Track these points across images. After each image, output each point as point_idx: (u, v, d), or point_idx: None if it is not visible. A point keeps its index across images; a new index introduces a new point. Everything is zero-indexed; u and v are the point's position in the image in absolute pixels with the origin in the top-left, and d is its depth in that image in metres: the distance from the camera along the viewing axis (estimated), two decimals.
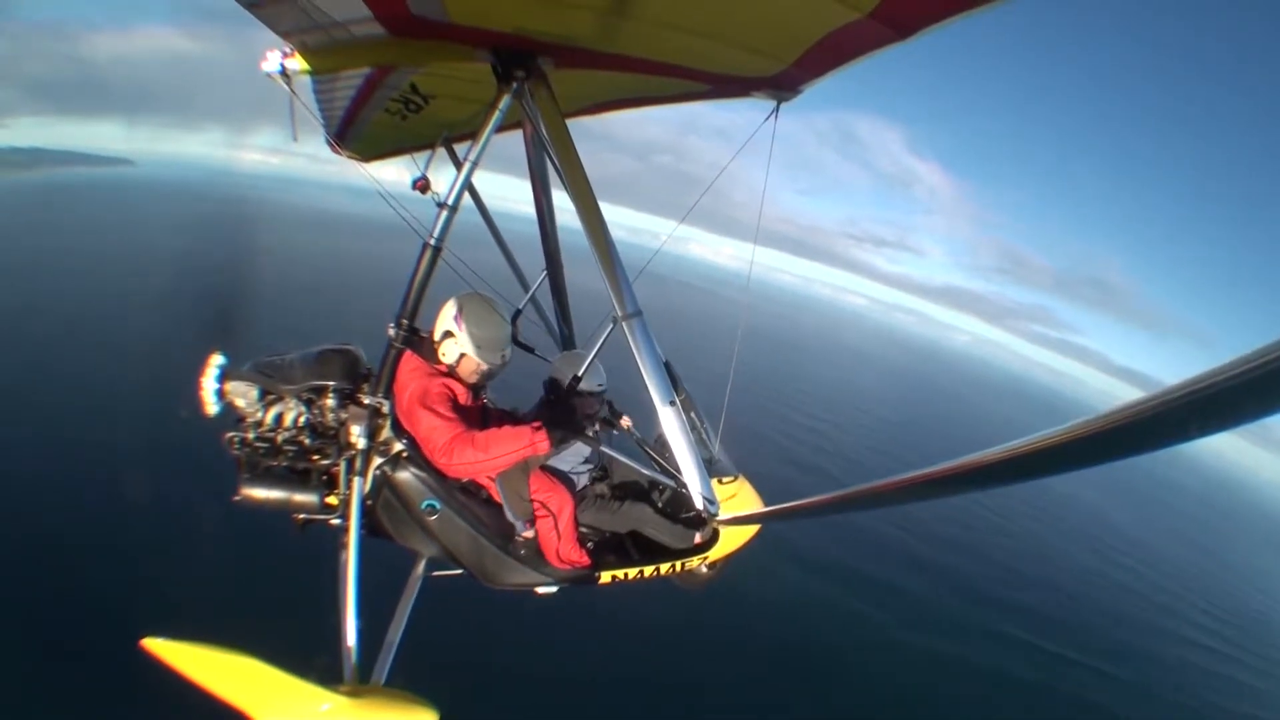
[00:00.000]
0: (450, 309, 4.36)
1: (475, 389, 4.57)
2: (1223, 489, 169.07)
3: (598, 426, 5.31)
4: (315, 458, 3.99)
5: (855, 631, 25.90)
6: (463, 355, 4.34)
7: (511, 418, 5.13)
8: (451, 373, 4.38)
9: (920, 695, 23.44)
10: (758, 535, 5.30)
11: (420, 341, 4.33)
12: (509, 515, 4.47)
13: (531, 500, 4.49)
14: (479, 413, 4.63)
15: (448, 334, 4.34)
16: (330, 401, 3.98)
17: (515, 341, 5.70)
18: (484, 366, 4.40)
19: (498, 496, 4.49)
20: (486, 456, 3.96)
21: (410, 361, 4.20)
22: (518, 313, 5.95)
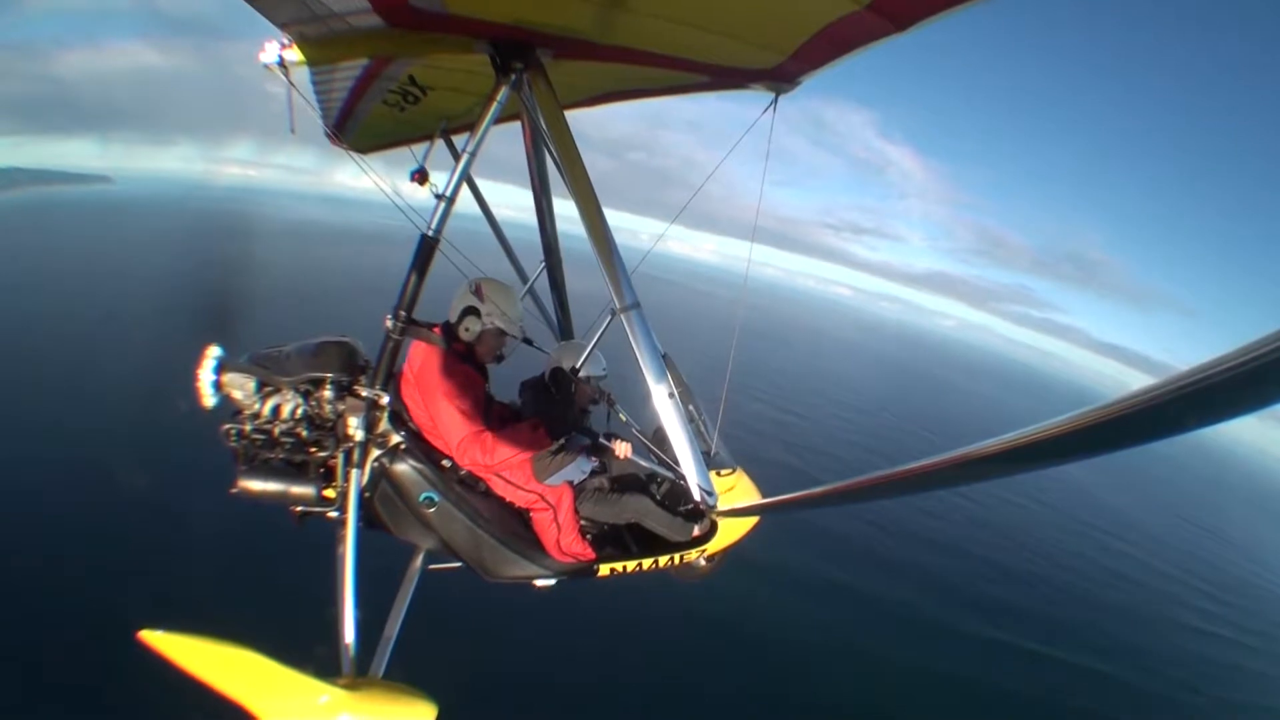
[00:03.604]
0: (468, 288, 4.46)
1: (486, 372, 4.65)
2: (1214, 460, 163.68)
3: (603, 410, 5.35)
4: (313, 450, 3.97)
5: (817, 641, 24.11)
6: (484, 330, 4.42)
7: (512, 412, 5.15)
8: (469, 354, 4.45)
9: (890, 713, 21.82)
10: (752, 530, 5.31)
11: (427, 328, 4.34)
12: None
13: (530, 491, 4.51)
14: (487, 402, 4.67)
15: (469, 310, 4.41)
16: (328, 393, 3.96)
17: None
18: (505, 339, 4.52)
19: (496, 489, 4.50)
20: (492, 461, 4.13)
21: (425, 350, 4.23)
22: None
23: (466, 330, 4.41)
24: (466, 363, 4.41)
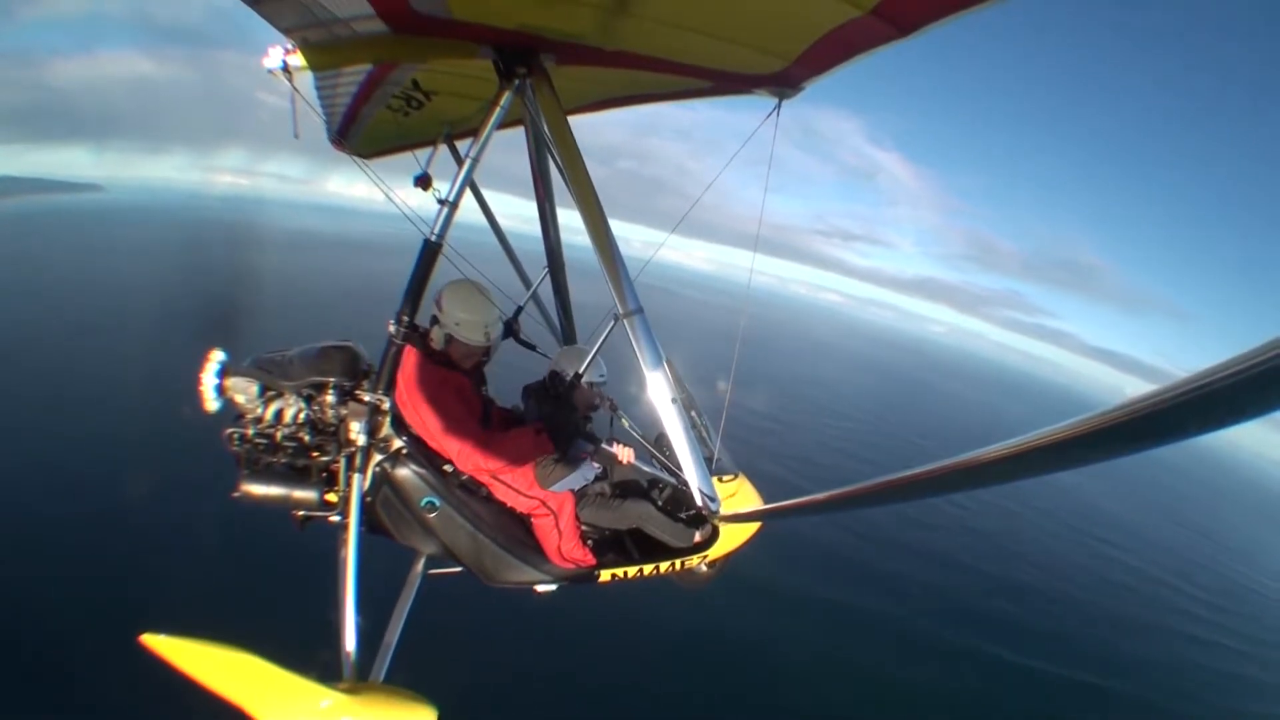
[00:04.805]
0: (434, 296, 4.45)
1: (475, 376, 4.64)
2: (1212, 465, 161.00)
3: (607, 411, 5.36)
4: (315, 454, 3.97)
5: (811, 658, 23.62)
6: (448, 337, 4.42)
7: (514, 417, 5.15)
8: (447, 360, 4.44)
9: None
10: (753, 537, 5.31)
11: (419, 336, 4.36)
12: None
13: (532, 496, 4.51)
14: (482, 406, 4.66)
15: (433, 319, 4.44)
16: (330, 398, 3.96)
17: (517, 339, 5.73)
18: (469, 345, 4.46)
19: (498, 494, 4.50)
20: (494, 466, 4.17)
21: (411, 358, 4.24)
22: (519, 310, 5.98)
23: (434, 340, 4.45)
24: (450, 368, 4.42)
